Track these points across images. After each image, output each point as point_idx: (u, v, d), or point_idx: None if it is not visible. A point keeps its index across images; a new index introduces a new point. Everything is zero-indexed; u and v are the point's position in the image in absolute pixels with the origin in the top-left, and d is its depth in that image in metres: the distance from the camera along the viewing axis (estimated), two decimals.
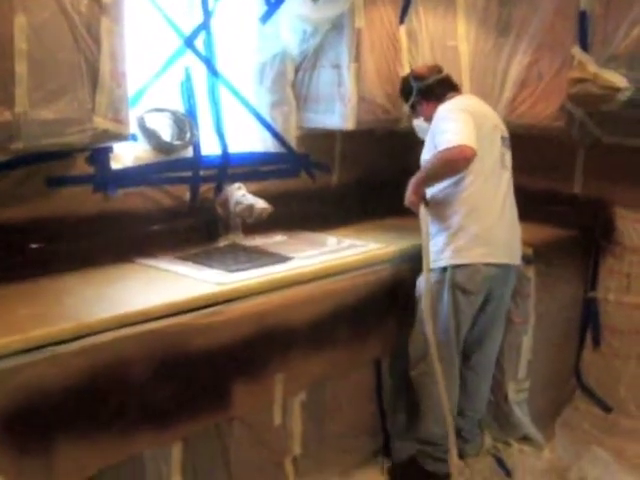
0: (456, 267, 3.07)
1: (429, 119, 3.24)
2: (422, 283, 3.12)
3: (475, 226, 3.06)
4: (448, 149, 2.93)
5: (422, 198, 3.13)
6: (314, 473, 3.15)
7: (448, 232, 3.10)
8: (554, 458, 3.53)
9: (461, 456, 3.32)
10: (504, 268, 3.15)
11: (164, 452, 2.60)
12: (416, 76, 3.36)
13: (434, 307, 3.09)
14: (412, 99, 3.37)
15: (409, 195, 3.14)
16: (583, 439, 3.70)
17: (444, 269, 3.10)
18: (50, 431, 2.20)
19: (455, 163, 2.95)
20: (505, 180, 3.17)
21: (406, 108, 3.52)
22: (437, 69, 3.38)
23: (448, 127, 2.99)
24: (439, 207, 3.13)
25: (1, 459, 2.08)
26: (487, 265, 3.07)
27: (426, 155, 3.18)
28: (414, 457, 3.32)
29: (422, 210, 3.11)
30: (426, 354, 3.13)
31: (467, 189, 3.07)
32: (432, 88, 3.31)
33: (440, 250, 3.11)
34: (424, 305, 3.07)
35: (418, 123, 3.45)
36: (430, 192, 3.14)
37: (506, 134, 3.25)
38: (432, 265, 3.11)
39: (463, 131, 2.95)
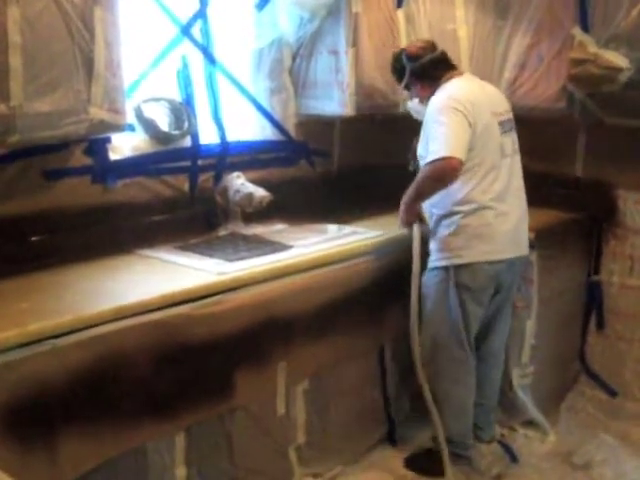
0: (458, 267, 3.02)
1: (424, 101, 3.13)
2: (427, 282, 3.12)
3: (475, 224, 2.99)
4: (433, 163, 2.86)
5: (417, 216, 3.10)
6: (318, 461, 3.15)
7: (448, 231, 3.03)
8: (559, 442, 3.53)
9: (476, 440, 3.35)
10: (509, 262, 3.08)
11: (167, 443, 2.59)
12: (409, 55, 3.15)
13: (441, 312, 3.10)
14: (405, 80, 3.18)
15: (402, 216, 3.10)
16: (588, 423, 3.70)
17: (446, 268, 3.05)
18: (52, 424, 2.20)
19: (442, 176, 2.89)
20: (506, 169, 3.04)
21: (400, 88, 3.33)
22: (431, 46, 3.17)
23: (437, 133, 2.89)
24: (437, 208, 3.07)
25: (4, 453, 2.07)
26: (490, 263, 3.02)
27: (421, 150, 3.07)
28: (431, 450, 3.28)
29: (415, 227, 3.08)
30: (435, 356, 3.13)
31: (464, 190, 2.98)
32: (426, 69, 3.12)
33: (441, 249, 3.06)
34: (411, 321, 3.05)
35: (412, 105, 3.28)
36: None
37: (506, 116, 3.10)
38: (434, 264, 3.09)
39: (448, 139, 2.85)
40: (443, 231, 3.05)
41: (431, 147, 2.89)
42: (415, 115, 3.28)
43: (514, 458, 3.38)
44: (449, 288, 3.04)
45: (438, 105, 2.98)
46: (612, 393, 3.91)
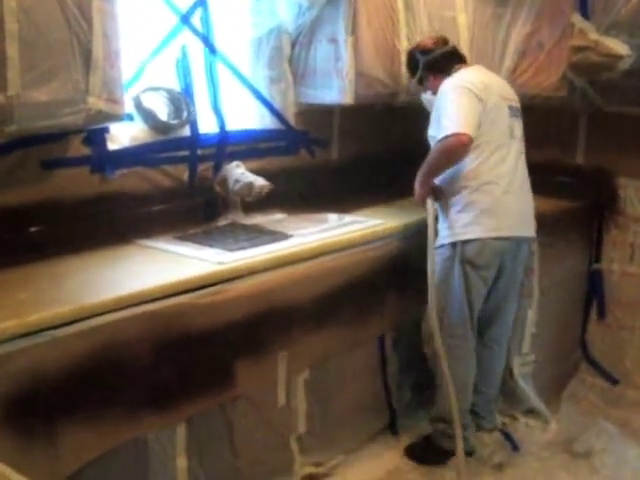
0: (465, 242, 3.06)
1: (437, 93, 3.17)
2: (436, 262, 3.12)
3: (483, 200, 3.04)
4: (444, 139, 2.93)
5: (431, 190, 3.13)
6: (319, 451, 3.15)
7: (456, 208, 3.09)
8: (560, 431, 3.53)
9: (478, 429, 3.38)
10: (515, 241, 3.13)
11: (168, 433, 2.59)
12: (422, 49, 3.29)
13: (445, 288, 3.11)
14: (419, 73, 3.30)
15: (417, 190, 3.15)
16: (589, 411, 3.71)
17: (453, 245, 3.08)
18: (53, 415, 2.19)
19: (452, 152, 2.97)
20: (514, 151, 3.13)
21: (413, 83, 3.41)
22: (443, 41, 3.30)
23: (446, 111, 2.99)
24: (446, 184, 3.11)
25: (4, 444, 2.06)
26: (496, 239, 3.05)
27: (432, 131, 3.14)
28: (429, 437, 3.31)
29: (428, 201, 3.12)
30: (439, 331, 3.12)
31: (472, 164, 3.04)
32: (438, 61, 3.24)
33: (449, 226, 3.11)
34: (429, 293, 3.04)
35: (426, 97, 3.38)
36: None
37: (515, 103, 3.19)
38: (442, 241, 3.12)
39: (459, 116, 2.94)
40: (451, 209, 3.10)
41: (442, 124, 2.98)
42: (428, 107, 3.32)
43: (515, 447, 3.39)
44: (454, 264, 3.08)
45: (449, 86, 3.08)
46: (613, 381, 3.91)
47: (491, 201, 3.04)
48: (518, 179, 3.13)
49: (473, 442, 3.29)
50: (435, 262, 3.11)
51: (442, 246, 3.13)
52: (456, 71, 3.17)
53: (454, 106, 2.98)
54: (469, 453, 3.23)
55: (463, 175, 3.06)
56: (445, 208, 3.14)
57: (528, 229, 3.21)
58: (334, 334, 3.05)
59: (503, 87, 3.21)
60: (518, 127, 3.18)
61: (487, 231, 3.04)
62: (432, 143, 3.13)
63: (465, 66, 3.24)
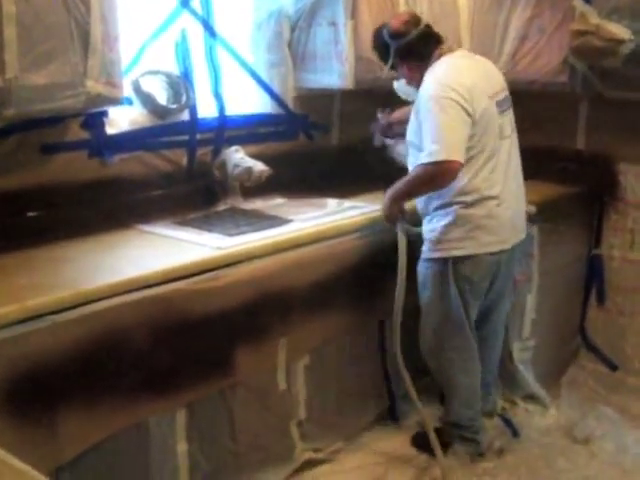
0: (458, 258, 2.90)
1: (413, 82, 2.99)
2: (422, 272, 3.05)
3: (476, 214, 2.86)
4: (431, 165, 2.69)
5: (400, 212, 2.97)
6: (320, 437, 3.15)
7: (447, 221, 2.88)
8: (560, 416, 3.53)
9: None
10: (509, 250, 3.00)
11: (169, 419, 2.59)
12: (393, 33, 2.92)
13: (439, 304, 3.03)
14: (390, 60, 2.96)
15: (387, 209, 2.96)
16: (589, 397, 3.72)
17: (444, 260, 2.93)
18: (53, 400, 2.19)
19: (439, 181, 2.75)
20: (505, 152, 2.90)
21: (386, 69, 3.05)
22: (415, 20, 2.93)
23: (434, 130, 2.69)
24: (435, 198, 2.91)
25: (4, 429, 2.06)
26: (492, 254, 2.92)
27: (411, 136, 2.91)
28: (439, 429, 3.22)
29: (399, 227, 2.98)
30: (439, 346, 3.09)
31: (464, 180, 2.81)
32: (412, 47, 2.89)
33: (439, 239, 2.92)
34: (395, 312, 2.99)
35: (399, 87, 3.20)
36: None
37: (503, 95, 2.93)
38: (431, 254, 2.97)
39: (447, 139, 2.67)
40: (439, 221, 2.91)
41: (428, 146, 2.71)
42: (403, 96, 3.20)
43: (515, 433, 3.39)
44: (449, 281, 2.94)
45: (432, 93, 2.76)
46: (613, 367, 3.92)
47: (485, 215, 2.86)
48: (510, 181, 2.93)
49: (484, 445, 3.24)
50: (423, 275, 3.03)
51: (431, 259, 2.98)
52: (436, 59, 2.88)
53: (440, 127, 2.69)
54: (481, 455, 3.21)
55: (456, 191, 2.84)
56: (433, 220, 2.95)
57: (521, 232, 3.08)
58: (334, 320, 3.05)
59: (490, 78, 2.93)
60: (508, 122, 2.94)
61: (482, 246, 2.89)
62: (411, 150, 2.94)
63: (446, 52, 2.91)
